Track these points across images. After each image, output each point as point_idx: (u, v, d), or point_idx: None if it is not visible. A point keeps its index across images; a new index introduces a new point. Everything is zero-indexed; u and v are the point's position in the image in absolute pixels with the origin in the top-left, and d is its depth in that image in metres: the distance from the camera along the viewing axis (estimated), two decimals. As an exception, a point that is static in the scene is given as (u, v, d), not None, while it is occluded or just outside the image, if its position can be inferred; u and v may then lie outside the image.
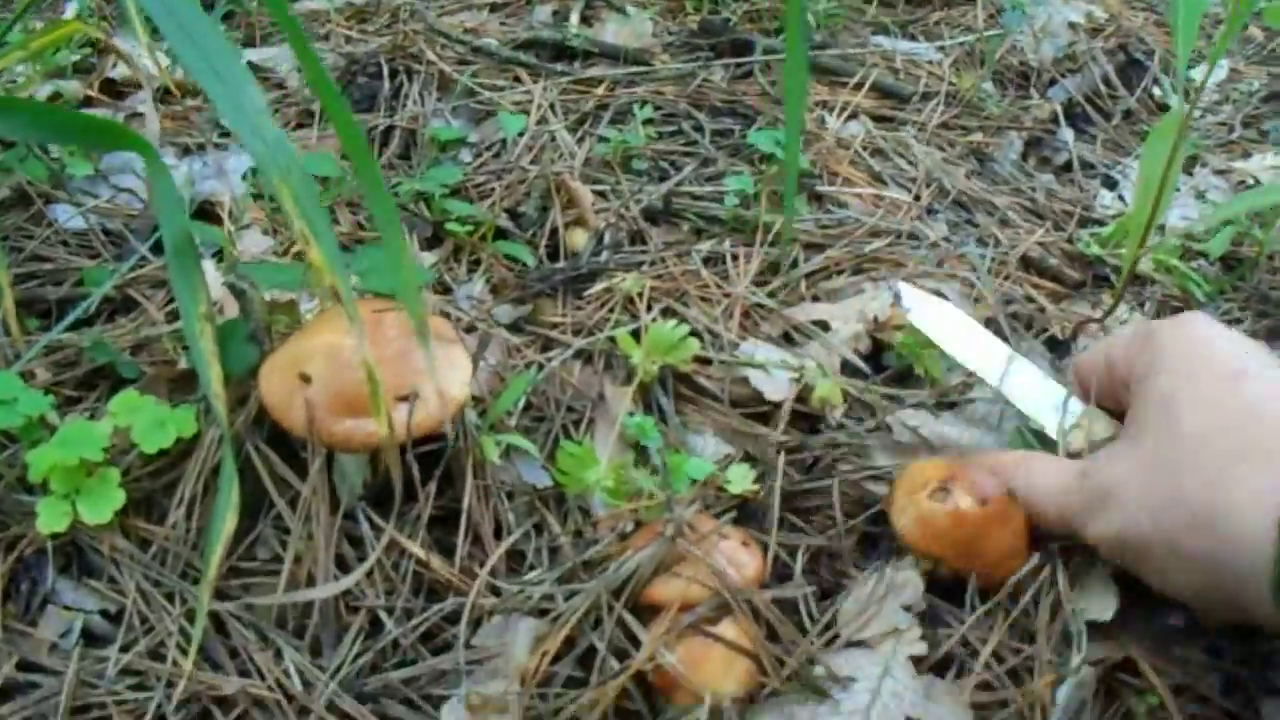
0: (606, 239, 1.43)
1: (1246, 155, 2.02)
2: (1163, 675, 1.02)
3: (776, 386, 1.26)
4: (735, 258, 1.45)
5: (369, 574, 1.05)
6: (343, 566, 1.07)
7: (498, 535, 1.11)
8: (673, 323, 1.26)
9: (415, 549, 1.07)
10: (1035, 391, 1.19)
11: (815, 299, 1.40)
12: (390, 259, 0.88)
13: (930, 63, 2.00)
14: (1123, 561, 0.99)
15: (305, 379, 1.03)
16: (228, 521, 1.00)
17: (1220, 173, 1.96)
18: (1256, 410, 0.93)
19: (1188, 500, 0.90)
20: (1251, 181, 1.91)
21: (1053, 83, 2.07)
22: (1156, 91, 2.14)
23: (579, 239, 1.43)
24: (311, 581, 1.05)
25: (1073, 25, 2.21)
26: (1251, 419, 0.92)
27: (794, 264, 1.44)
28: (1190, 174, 1.92)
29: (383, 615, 1.05)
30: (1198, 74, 1.99)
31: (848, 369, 1.31)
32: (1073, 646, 1.01)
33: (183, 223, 1.06)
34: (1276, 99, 2.28)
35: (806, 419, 1.26)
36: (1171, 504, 0.91)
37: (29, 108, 1.11)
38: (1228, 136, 2.11)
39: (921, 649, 1.01)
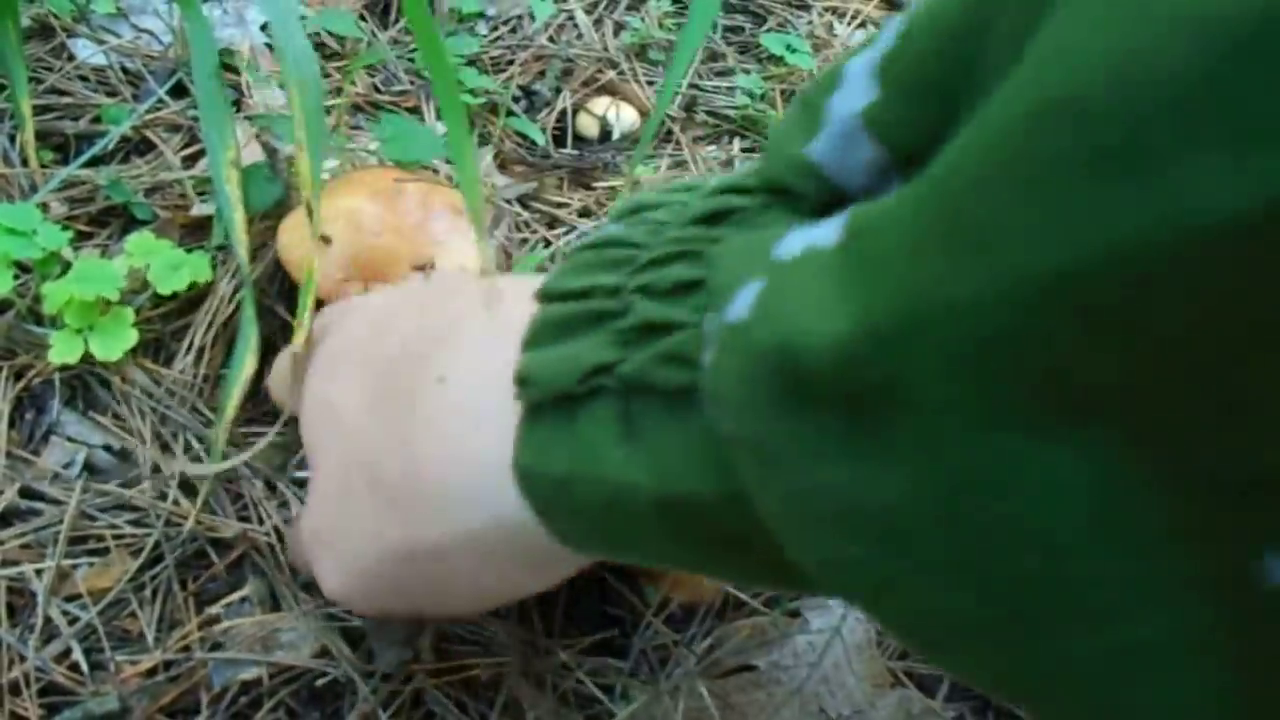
0: (616, 133, 1.45)
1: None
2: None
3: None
4: (743, 158, 1.48)
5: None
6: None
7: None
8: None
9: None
10: None
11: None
12: (462, 172, 0.89)
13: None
14: None
15: (326, 240, 1.06)
16: (247, 364, 1.03)
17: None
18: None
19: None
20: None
21: None
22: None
23: (589, 124, 1.45)
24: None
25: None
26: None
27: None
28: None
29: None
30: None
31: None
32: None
33: (215, 67, 1.08)
34: None
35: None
36: None
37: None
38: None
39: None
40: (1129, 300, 0.32)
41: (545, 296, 0.61)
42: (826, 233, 0.44)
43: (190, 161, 1.30)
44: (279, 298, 1.16)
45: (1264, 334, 0.31)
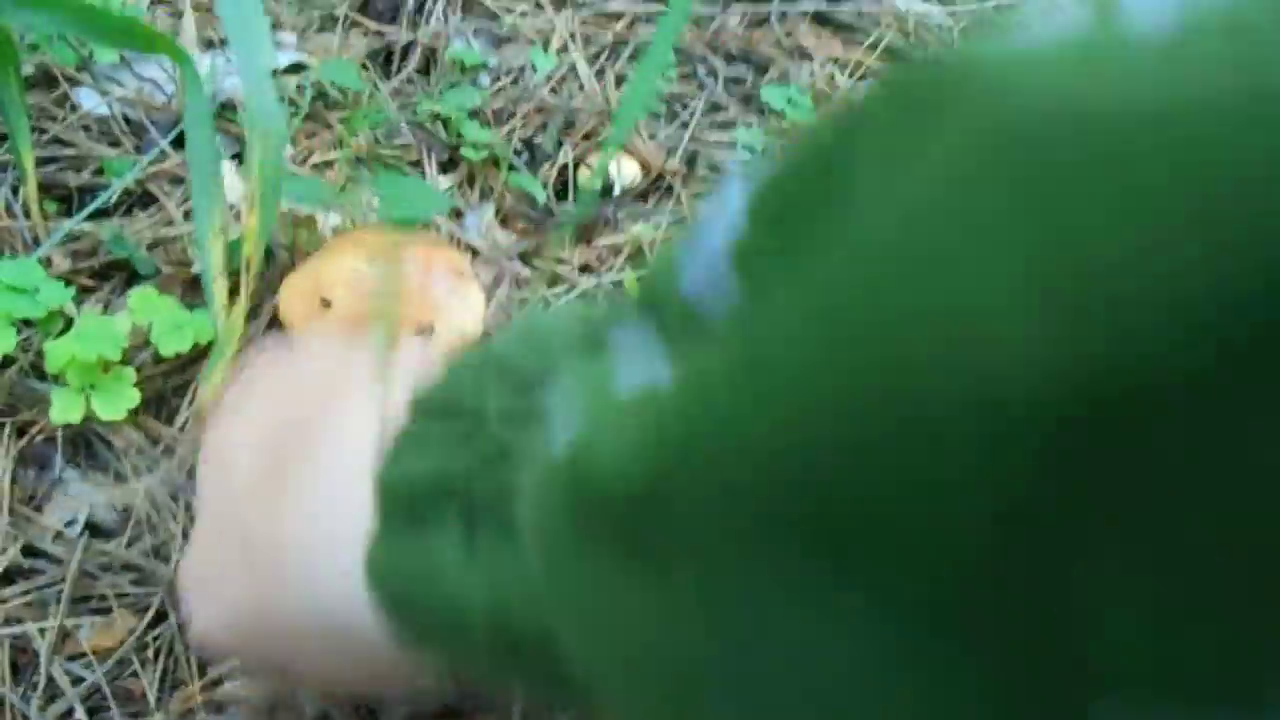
0: (617, 187, 1.46)
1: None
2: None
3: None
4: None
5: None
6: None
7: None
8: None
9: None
10: None
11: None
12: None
13: (940, 27, 2.03)
14: None
15: (326, 304, 1.07)
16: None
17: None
18: None
19: None
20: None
21: (1058, 55, 2.10)
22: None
23: (590, 178, 1.46)
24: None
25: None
26: None
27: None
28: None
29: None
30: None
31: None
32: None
33: (210, 137, 1.09)
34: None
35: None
36: None
37: (71, 6, 1.13)
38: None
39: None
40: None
41: (417, 405, 0.63)
42: (671, 373, 0.45)
43: (191, 216, 1.30)
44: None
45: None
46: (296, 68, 1.51)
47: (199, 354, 1.15)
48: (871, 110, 0.40)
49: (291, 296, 1.09)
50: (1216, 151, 0.28)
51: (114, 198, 1.30)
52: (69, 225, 1.23)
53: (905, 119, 0.36)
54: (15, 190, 1.30)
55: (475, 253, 1.31)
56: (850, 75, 1.78)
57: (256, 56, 0.96)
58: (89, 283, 1.23)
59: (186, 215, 1.30)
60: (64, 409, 1.08)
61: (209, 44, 1.58)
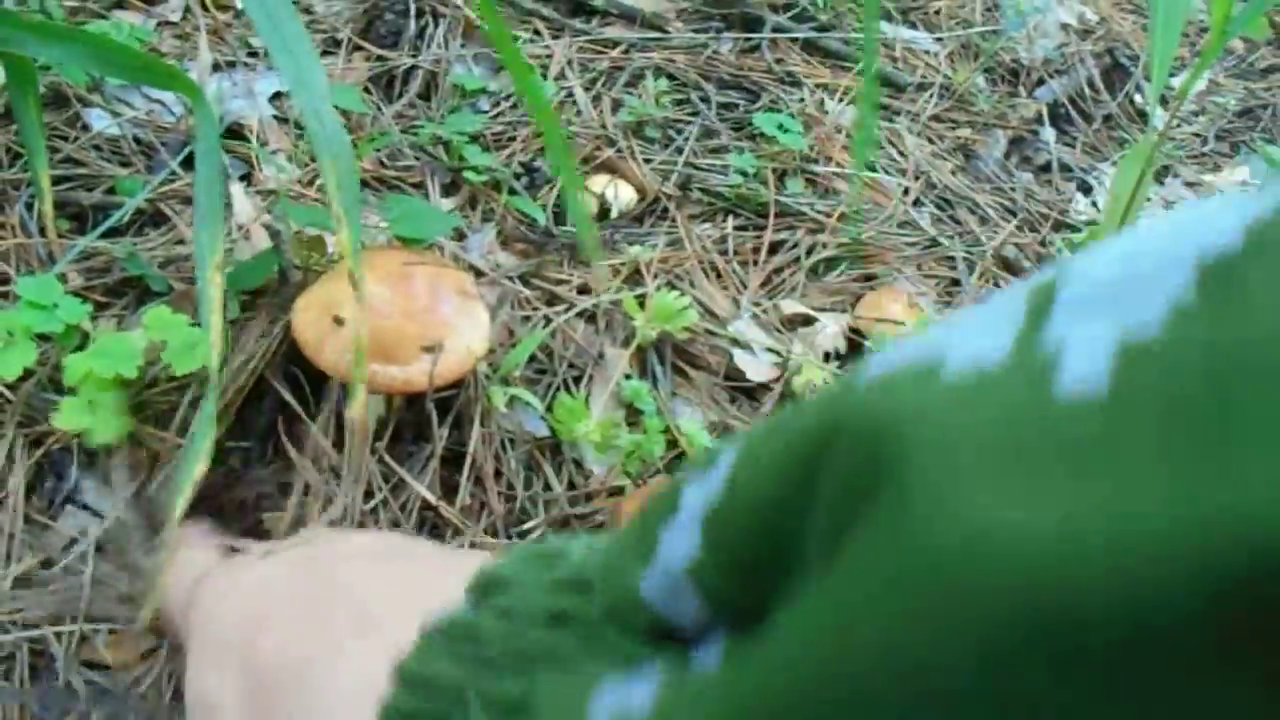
0: (614, 211, 1.50)
1: (1217, 169, 2.11)
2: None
3: (760, 368, 1.35)
4: (736, 236, 1.54)
5: (375, 509, 1.13)
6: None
7: (498, 480, 1.19)
8: (676, 293, 1.35)
9: (422, 489, 1.15)
10: None
11: (806, 283, 1.49)
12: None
13: (927, 53, 2.07)
14: None
15: (339, 322, 1.10)
16: (196, 470, 1.03)
17: (1191, 185, 2.05)
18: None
19: None
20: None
21: (1041, 83, 2.15)
22: (1138, 98, 2.22)
23: (588, 201, 1.50)
24: (325, 507, 1.13)
25: (1065, 27, 2.29)
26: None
27: (792, 246, 1.53)
28: (1161, 183, 2.00)
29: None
30: (1179, 80, 2.06)
31: (830, 358, 1.40)
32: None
33: (215, 174, 1.12)
34: (1250, 114, 2.37)
35: (788, 401, 1.35)
36: None
37: (88, 40, 1.16)
38: (1200, 148, 2.20)
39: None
40: None
41: (399, 677, 0.64)
42: (641, 703, 0.47)
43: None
44: (285, 380, 1.20)
45: None
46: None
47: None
48: (806, 476, 0.41)
49: (304, 314, 1.12)
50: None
51: (126, 216, 1.33)
52: (84, 243, 1.26)
53: (846, 498, 0.38)
54: (30, 207, 1.33)
55: (478, 273, 1.35)
56: (839, 100, 1.83)
57: (311, 86, 0.98)
58: (103, 299, 1.27)
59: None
60: (67, 418, 1.10)
61: (215, 67, 1.62)
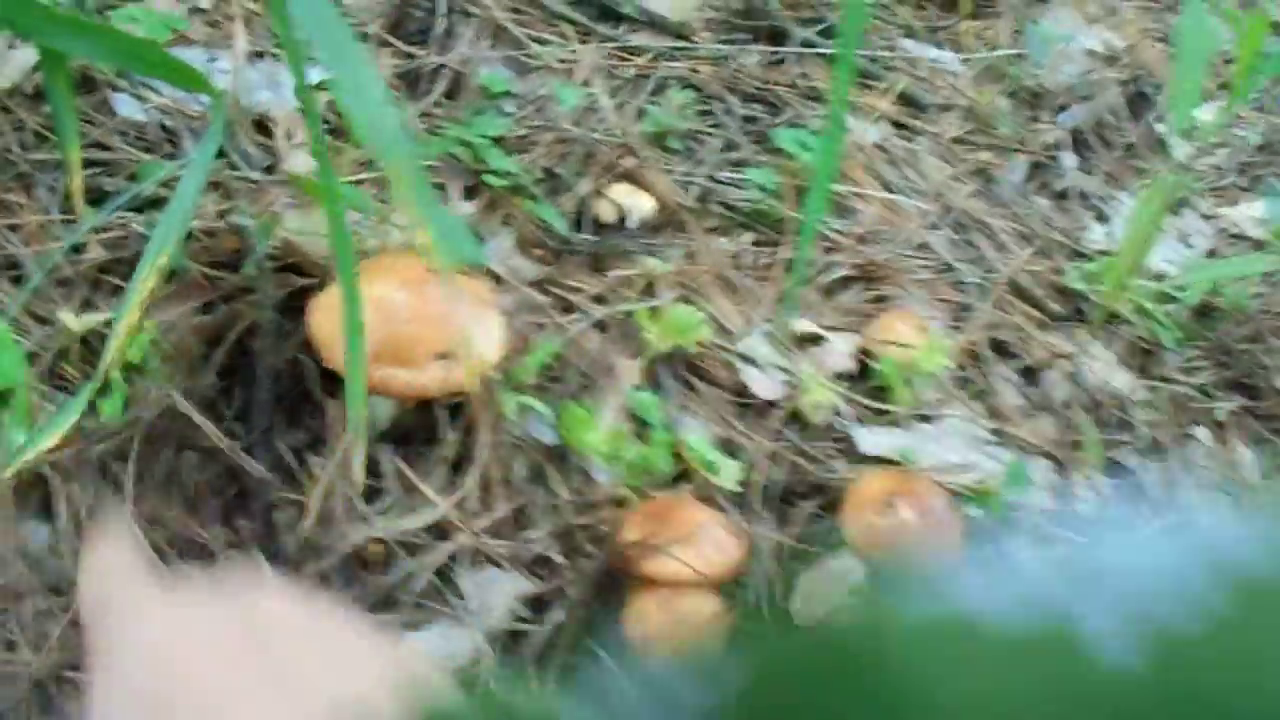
0: (632, 220, 1.51)
1: (1234, 203, 2.11)
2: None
3: (769, 386, 1.36)
4: (753, 252, 1.55)
5: (386, 509, 1.15)
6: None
7: (505, 485, 1.20)
8: (690, 308, 1.36)
9: (429, 491, 1.17)
10: None
11: (820, 302, 1.50)
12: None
13: (953, 74, 2.07)
14: None
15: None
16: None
17: (1207, 218, 2.05)
18: None
19: None
20: (1236, 231, 1.99)
21: (1063, 108, 2.14)
22: (1159, 128, 2.21)
23: (607, 210, 1.51)
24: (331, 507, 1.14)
25: (1090, 53, 2.28)
26: None
27: (807, 265, 1.53)
28: (1177, 214, 2.00)
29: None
30: (1202, 112, 2.05)
31: (839, 378, 1.42)
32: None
33: (196, 190, 1.13)
34: (1270, 149, 2.36)
35: (796, 420, 1.36)
36: None
37: (123, 40, 1.19)
38: (1219, 181, 2.19)
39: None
40: None
41: None
42: None
43: (222, 215, 1.35)
44: (293, 377, 1.23)
45: None
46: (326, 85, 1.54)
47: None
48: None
49: (323, 315, 1.13)
50: None
51: (146, 194, 1.34)
52: (99, 218, 1.30)
53: None
54: (52, 190, 1.35)
55: (496, 278, 1.36)
56: (863, 119, 1.83)
57: (365, 93, 0.99)
58: (119, 283, 1.28)
59: (218, 215, 1.35)
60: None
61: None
